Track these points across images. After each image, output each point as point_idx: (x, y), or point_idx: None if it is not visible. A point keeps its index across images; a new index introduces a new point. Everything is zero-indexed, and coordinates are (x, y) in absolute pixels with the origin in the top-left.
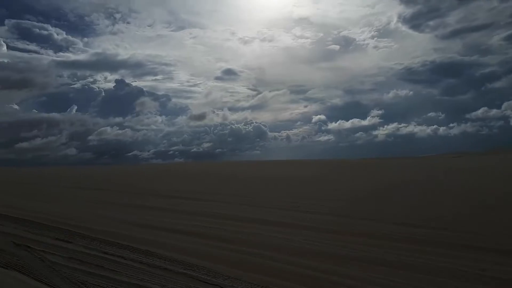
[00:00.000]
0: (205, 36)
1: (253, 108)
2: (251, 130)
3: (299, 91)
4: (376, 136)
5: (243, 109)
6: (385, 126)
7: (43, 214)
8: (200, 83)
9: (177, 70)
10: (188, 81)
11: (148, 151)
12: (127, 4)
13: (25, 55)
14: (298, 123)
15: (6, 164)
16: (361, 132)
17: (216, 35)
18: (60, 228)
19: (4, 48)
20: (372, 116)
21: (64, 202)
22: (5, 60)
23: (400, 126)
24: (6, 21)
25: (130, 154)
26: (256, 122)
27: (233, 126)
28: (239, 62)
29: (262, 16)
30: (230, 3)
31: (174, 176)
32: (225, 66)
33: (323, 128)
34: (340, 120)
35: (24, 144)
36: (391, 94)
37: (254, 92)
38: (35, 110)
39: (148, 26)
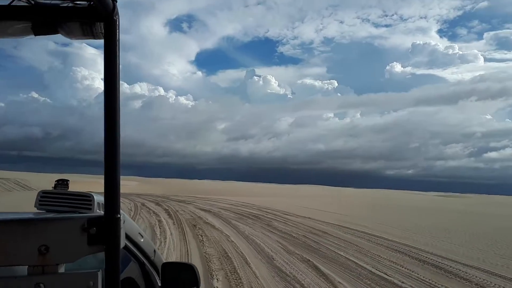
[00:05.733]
0: None
1: None
2: None
3: None
4: None
5: None
6: None
7: None
8: None
9: None
10: None
11: None
12: None
13: (502, 64)
14: None
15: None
16: None
17: None
18: None
19: (481, 61)
20: None
21: None
22: (482, 72)
23: None
24: (485, 35)
25: None
26: None
27: None
28: None
29: None
30: None
31: None
32: None
33: None
34: None
35: (493, 154)
36: None
37: None
38: (508, 120)
39: None
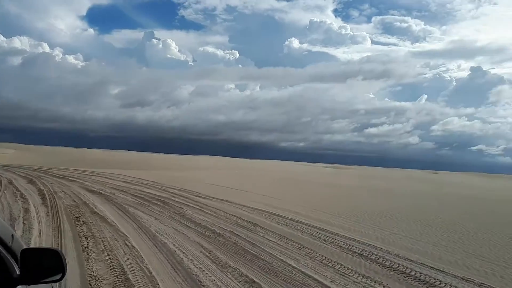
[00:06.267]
0: None
1: None
2: None
3: None
4: None
5: None
6: None
7: None
8: None
9: None
10: None
11: (497, 146)
12: None
13: (385, 48)
14: None
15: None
16: None
17: None
18: None
19: (369, 43)
20: None
21: None
22: (369, 54)
23: None
24: (373, 18)
25: (474, 148)
26: None
27: None
28: None
29: None
30: None
31: None
32: None
33: None
34: None
35: (373, 130)
36: None
37: None
38: (387, 99)
39: None
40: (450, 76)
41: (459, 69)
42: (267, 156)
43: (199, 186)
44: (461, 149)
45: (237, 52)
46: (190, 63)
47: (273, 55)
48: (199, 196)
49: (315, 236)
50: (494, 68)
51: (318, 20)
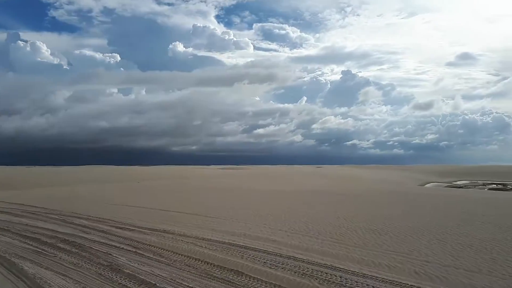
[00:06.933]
0: (440, 20)
1: (494, 96)
2: (490, 121)
3: None
4: None
5: (480, 97)
6: None
7: None
8: (428, 71)
9: (404, 58)
10: (415, 69)
11: (368, 140)
12: None
13: (267, 53)
14: None
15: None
16: None
17: (453, 17)
18: None
19: (251, 49)
20: None
21: None
22: (253, 59)
23: None
24: (254, 25)
25: (349, 143)
26: (497, 112)
27: (466, 117)
28: (480, 44)
29: None
30: None
31: None
32: (461, 50)
33: None
34: None
35: (261, 131)
36: None
37: (497, 78)
38: (272, 102)
39: (378, 16)
40: (325, 79)
41: (332, 73)
42: (159, 162)
43: (110, 210)
44: (338, 145)
45: (118, 55)
46: (65, 67)
47: (158, 58)
48: (121, 228)
49: (340, 284)
50: (361, 72)
51: (201, 25)
